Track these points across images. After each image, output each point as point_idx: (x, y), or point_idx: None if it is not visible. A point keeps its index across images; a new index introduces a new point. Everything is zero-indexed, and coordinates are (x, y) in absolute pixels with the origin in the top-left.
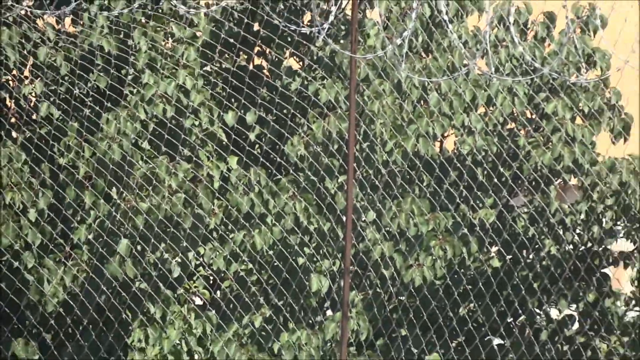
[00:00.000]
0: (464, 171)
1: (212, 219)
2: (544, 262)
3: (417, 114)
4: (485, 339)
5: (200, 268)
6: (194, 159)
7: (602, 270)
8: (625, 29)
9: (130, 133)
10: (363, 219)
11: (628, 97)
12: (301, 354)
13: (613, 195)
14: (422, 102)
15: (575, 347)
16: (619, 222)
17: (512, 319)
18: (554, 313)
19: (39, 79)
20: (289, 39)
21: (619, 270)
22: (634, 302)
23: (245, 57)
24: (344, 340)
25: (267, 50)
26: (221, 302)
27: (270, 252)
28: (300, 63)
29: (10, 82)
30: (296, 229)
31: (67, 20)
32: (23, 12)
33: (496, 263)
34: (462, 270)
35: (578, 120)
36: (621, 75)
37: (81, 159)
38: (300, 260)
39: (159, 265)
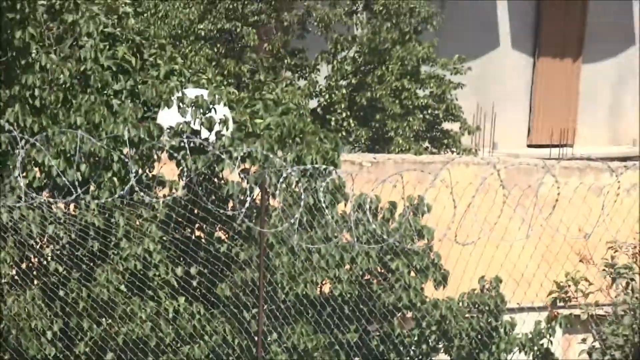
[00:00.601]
0: (336, 307)
1: (168, 338)
2: None
3: (304, 268)
4: None
5: None
6: (156, 298)
7: None
8: (443, 215)
9: (113, 281)
10: (269, 339)
11: (447, 257)
12: None
13: (436, 324)
14: (307, 260)
15: None
16: (440, 342)
17: None
18: None
19: (51, 245)
20: (219, 218)
21: None
22: None
23: (190, 230)
24: None
25: (204, 226)
26: None
27: None
28: (226, 234)
29: (33, 251)
30: (224, 345)
31: (71, 206)
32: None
33: None
34: None
35: (412, 274)
36: (441, 244)
37: (80, 298)
38: None
39: None
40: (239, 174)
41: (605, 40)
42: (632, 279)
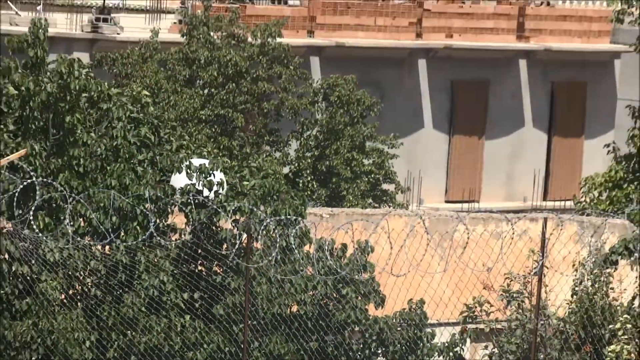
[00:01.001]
0: (302, 322)
1: (177, 346)
2: None
3: (278, 293)
4: None
5: None
6: (168, 316)
7: None
8: (382, 253)
9: (136, 303)
10: (252, 347)
11: (385, 285)
12: None
13: (376, 334)
14: (281, 288)
15: None
16: (379, 348)
17: None
18: None
19: (91, 276)
20: (216, 256)
21: None
22: None
23: (194, 265)
24: None
25: (205, 262)
26: None
27: None
28: (221, 268)
29: (77, 281)
30: (219, 351)
31: (106, 247)
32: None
33: None
34: None
35: (359, 298)
36: (380, 275)
37: (111, 316)
38: None
39: None
40: (231, 223)
41: (502, 122)
42: (522, 301)
